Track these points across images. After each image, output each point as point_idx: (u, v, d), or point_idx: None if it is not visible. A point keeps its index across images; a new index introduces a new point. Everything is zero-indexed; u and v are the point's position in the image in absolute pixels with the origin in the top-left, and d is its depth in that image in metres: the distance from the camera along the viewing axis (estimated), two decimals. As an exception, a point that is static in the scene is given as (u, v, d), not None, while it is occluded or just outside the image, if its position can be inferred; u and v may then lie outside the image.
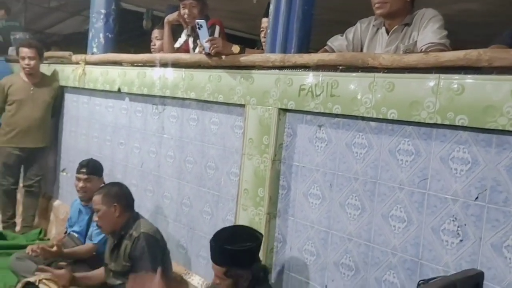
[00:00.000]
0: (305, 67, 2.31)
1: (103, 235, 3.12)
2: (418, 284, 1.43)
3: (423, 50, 2.05)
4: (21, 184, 4.41)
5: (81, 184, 3.21)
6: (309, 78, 2.27)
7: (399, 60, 1.92)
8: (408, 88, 1.89)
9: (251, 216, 2.52)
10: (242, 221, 2.56)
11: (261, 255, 2.42)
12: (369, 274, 2.04)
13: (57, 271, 2.76)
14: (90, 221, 3.24)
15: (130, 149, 3.57)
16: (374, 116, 2.00)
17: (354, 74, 2.10)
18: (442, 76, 1.79)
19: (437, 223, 1.82)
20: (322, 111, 2.21)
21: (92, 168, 3.23)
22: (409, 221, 1.91)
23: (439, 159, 1.83)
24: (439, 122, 1.78)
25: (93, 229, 3.20)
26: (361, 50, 2.38)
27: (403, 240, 1.92)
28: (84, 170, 3.21)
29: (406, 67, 1.91)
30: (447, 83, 1.77)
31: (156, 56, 3.32)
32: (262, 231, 2.45)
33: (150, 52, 3.90)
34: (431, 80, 1.82)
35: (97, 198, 2.76)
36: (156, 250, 2.66)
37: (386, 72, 1.97)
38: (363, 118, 2.08)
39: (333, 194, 2.21)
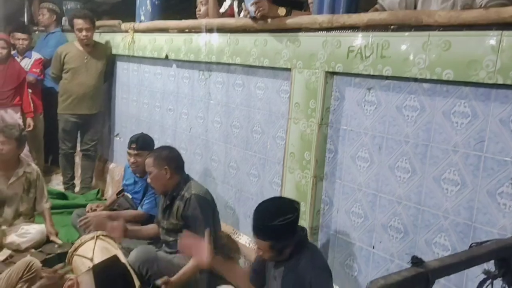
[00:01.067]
0: (354, 27, 2.19)
1: (153, 204, 3.18)
2: (470, 246, 1.36)
3: (483, 5, 1.88)
4: (78, 149, 4.58)
5: (132, 159, 3.22)
6: (358, 39, 2.16)
7: (457, 16, 1.78)
8: (465, 47, 1.75)
9: (297, 178, 2.49)
10: (289, 183, 2.54)
11: (307, 217, 2.42)
12: (419, 237, 1.98)
13: (112, 223, 2.82)
14: (145, 191, 3.29)
15: (178, 115, 3.59)
16: (428, 77, 1.88)
17: (406, 33, 1.97)
18: (505, 33, 1.64)
19: (493, 186, 1.72)
20: (371, 73, 2.11)
21: (142, 143, 3.21)
22: (463, 184, 1.82)
23: (498, 121, 1.71)
24: (499, 82, 1.65)
25: (146, 197, 3.27)
26: (415, 8, 2.22)
27: (456, 203, 1.84)
28: (134, 145, 3.20)
29: (464, 24, 1.76)
30: (510, 40, 1.63)
31: (202, 21, 3.26)
32: (309, 193, 2.43)
33: (195, 18, 3.85)
34: (491, 38, 1.68)
35: (149, 161, 2.81)
36: (206, 211, 2.69)
37: (441, 30, 1.84)
38: (415, 80, 1.97)
39: (382, 157, 2.14)
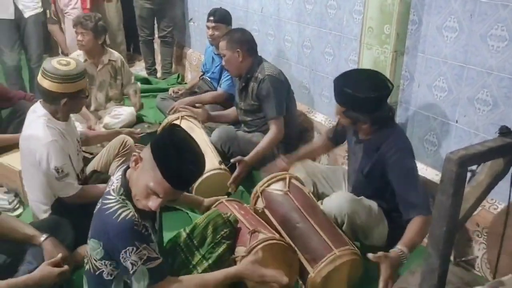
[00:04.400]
0: None
1: (230, 82, 3.20)
2: None
3: None
4: (156, 35, 4.62)
5: (210, 32, 3.21)
6: None
7: None
8: None
9: (376, 54, 2.32)
10: (366, 60, 2.39)
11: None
12: (510, 109, 1.81)
13: (195, 109, 2.94)
14: (221, 70, 3.31)
15: (249, -6, 3.41)
16: None
17: None
18: None
19: None
20: None
21: (219, 16, 3.18)
22: None
23: None
24: None
25: (223, 76, 3.30)
26: None
27: (559, 72, 1.62)
28: (212, 18, 3.19)
29: None
30: None
31: None
32: (388, 69, 2.27)
33: None
34: None
35: (222, 44, 2.76)
36: (280, 91, 2.67)
37: None
38: None
39: (473, 25, 1.89)
